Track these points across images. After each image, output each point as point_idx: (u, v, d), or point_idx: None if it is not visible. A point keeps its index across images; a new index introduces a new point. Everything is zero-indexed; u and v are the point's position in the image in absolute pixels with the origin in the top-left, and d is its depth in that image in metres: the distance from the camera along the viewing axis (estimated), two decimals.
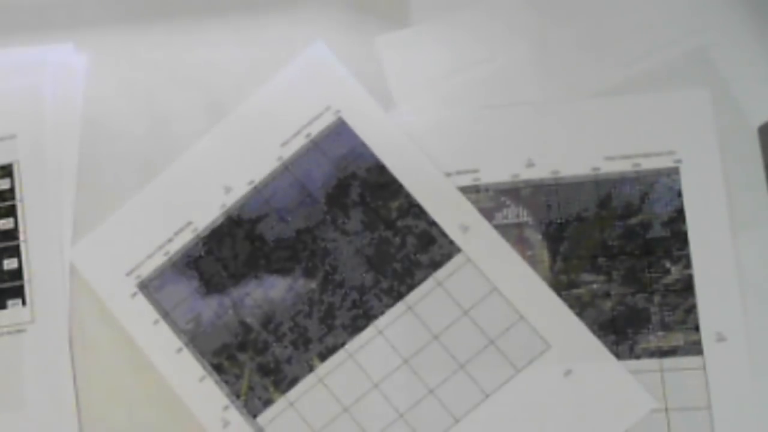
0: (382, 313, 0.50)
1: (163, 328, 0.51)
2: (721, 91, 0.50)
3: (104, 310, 0.52)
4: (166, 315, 0.52)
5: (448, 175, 0.50)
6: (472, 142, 0.51)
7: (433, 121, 0.51)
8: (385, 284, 0.50)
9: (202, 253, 0.52)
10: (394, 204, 0.51)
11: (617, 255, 0.50)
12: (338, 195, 0.51)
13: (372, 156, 0.51)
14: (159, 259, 0.52)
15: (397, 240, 0.50)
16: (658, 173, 0.50)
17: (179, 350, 0.51)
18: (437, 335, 0.50)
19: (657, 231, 0.49)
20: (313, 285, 0.51)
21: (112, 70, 0.53)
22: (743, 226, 0.49)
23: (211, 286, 0.52)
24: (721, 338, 0.48)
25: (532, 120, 0.51)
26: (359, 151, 0.51)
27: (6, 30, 0.52)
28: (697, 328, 0.48)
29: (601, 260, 0.50)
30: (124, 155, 0.53)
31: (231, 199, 0.52)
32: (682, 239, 0.49)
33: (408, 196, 0.51)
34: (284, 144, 0.52)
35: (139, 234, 0.52)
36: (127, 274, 0.52)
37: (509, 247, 0.50)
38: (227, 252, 0.52)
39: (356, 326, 0.50)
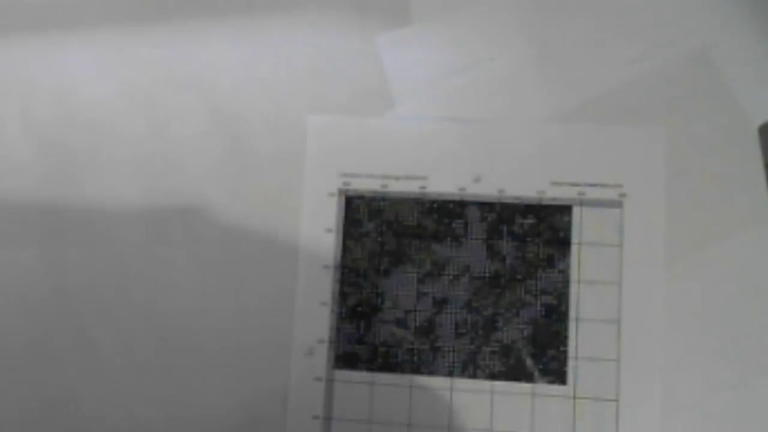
0: None
1: None
2: (721, 91, 0.51)
3: None
4: None
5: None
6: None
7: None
8: None
9: None
10: None
11: None
12: None
13: None
14: None
15: None
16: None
17: None
18: None
19: None
20: None
21: (112, 71, 0.53)
22: (742, 226, 0.49)
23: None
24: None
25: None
26: None
27: (6, 30, 0.52)
28: None
29: None
30: (124, 155, 0.51)
31: None
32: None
33: None
34: None
35: None
36: None
37: None
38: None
39: None
